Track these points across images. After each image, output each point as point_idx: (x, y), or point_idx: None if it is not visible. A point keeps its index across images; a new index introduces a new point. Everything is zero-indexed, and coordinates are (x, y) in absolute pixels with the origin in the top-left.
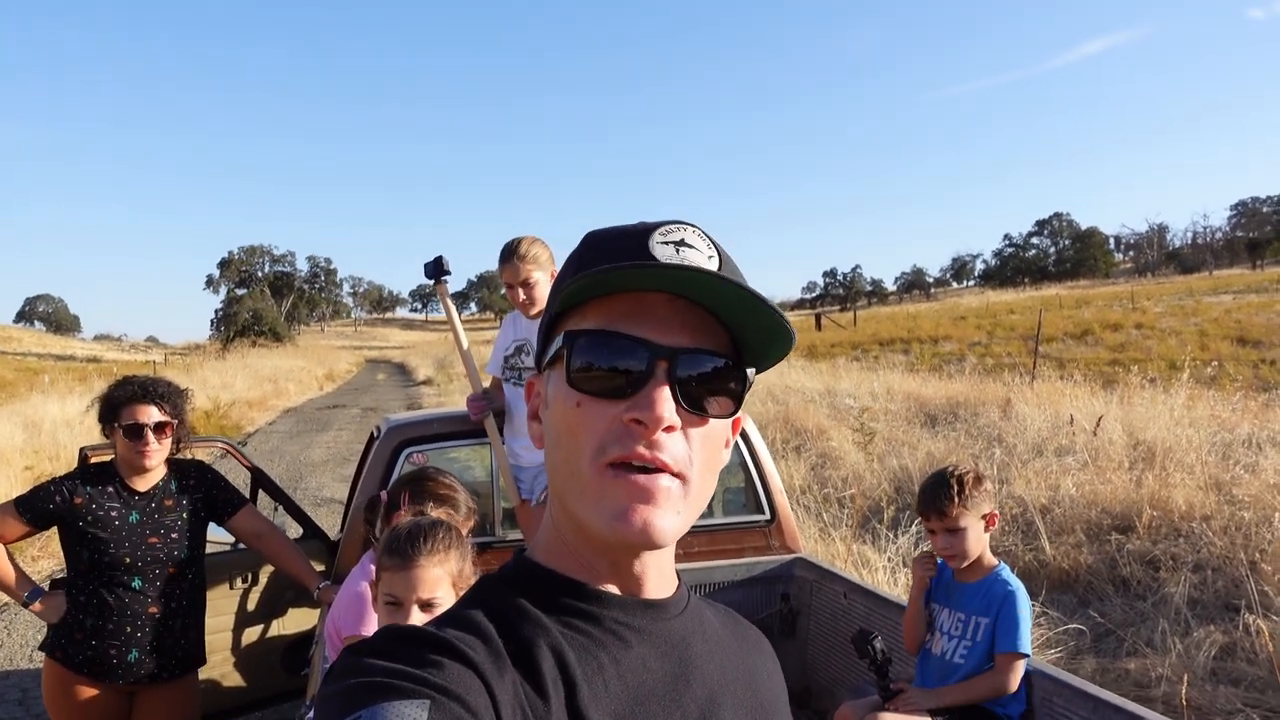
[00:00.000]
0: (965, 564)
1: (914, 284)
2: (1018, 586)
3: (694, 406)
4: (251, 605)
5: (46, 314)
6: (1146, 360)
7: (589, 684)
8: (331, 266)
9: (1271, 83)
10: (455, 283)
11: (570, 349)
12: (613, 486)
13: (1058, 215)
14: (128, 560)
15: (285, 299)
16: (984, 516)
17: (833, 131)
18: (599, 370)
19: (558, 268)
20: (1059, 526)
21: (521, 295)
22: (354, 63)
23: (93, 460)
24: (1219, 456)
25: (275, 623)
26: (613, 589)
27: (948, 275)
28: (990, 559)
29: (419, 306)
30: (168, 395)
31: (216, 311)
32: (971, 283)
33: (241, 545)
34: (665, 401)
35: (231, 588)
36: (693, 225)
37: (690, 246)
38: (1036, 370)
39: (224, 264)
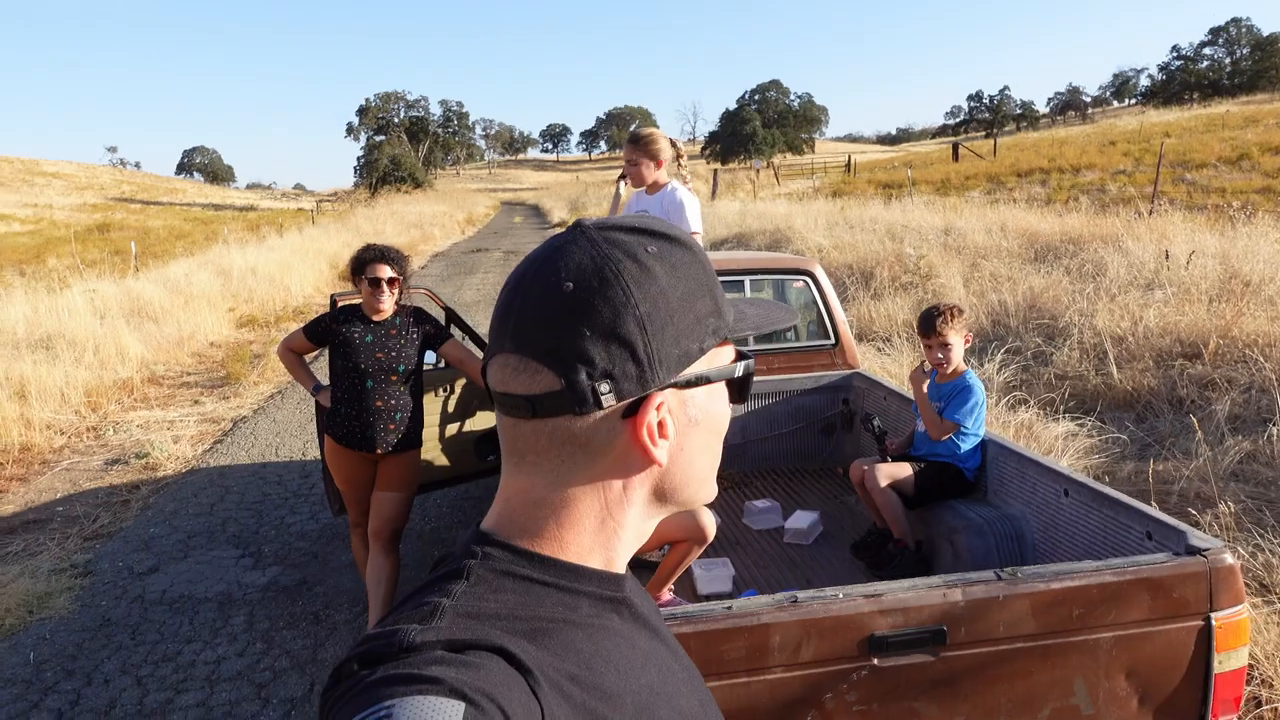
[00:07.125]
0: (950, 369)
1: (1069, 105)
2: (975, 383)
3: None
4: (450, 409)
5: (203, 165)
6: None
7: (624, 678)
8: (463, 110)
9: None
10: (585, 120)
11: (745, 367)
12: None
13: (1235, 21)
14: (362, 366)
15: (421, 144)
16: (964, 336)
17: None
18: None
19: (664, 158)
20: (1130, 355)
21: (634, 172)
22: None
23: (343, 302)
24: None
25: (467, 422)
26: (622, 570)
27: (1108, 94)
28: (962, 366)
29: (549, 147)
30: (397, 259)
31: (358, 159)
32: (1133, 101)
33: (441, 366)
34: None
35: (435, 396)
36: None
37: None
38: (1155, 204)
39: (362, 111)
